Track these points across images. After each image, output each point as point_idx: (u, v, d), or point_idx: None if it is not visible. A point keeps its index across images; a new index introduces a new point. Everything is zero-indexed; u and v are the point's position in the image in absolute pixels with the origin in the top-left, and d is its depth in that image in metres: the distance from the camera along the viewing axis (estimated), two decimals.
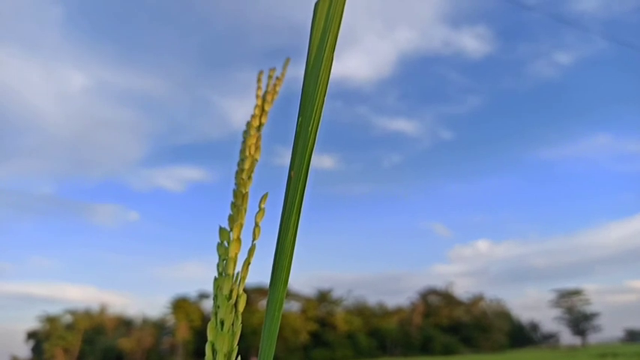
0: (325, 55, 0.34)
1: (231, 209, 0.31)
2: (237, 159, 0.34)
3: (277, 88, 0.37)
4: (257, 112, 0.35)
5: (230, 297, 0.29)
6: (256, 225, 0.30)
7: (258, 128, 0.35)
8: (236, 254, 0.30)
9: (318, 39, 0.36)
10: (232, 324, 0.28)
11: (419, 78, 73.94)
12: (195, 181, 69.02)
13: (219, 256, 0.30)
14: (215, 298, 0.29)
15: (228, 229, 0.30)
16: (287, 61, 0.38)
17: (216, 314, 0.29)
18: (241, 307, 0.29)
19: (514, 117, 73.80)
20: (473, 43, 69.34)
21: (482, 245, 76.24)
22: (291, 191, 0.32)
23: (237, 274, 0.30)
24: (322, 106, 0.33)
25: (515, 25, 73.19)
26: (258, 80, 0.36)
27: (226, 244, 0.30)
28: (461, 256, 74.77)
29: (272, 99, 0.37)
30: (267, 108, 0.36)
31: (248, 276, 0.30)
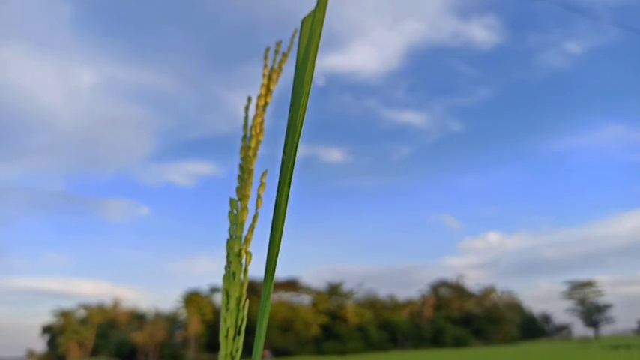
0: (309, 61, 0.41)
1: (238, 182, 0.37)
2: (259, 91, 0.39)
3: (282, 65, 0.41)
4: (263, 91, 0.40)
5: (239, 254, 0.36)
6: (259, 197, 0.37)
7: (264, 107, 0.40)
8: (243, 220, 0.36)
9: (303, 48, 0.43)
10: (242, 275, 0.36)
11: (428, 70, 73.58)
12: (205, 176, 69.35)
13: (230, 222, 0.37)
14: (227, 255, 0.36)
15: (237, 199, 0.37)
16: (295, 33, 0.42)
17: (228, 268, 0.36)
18: (248, 262, 0.36)
19: (524, 108, 73.23)
20: (482, 33, 68.77)
21: (493, 237, 75.98)
22: (282, 176, 0.38)
23: (245, 236, 0.36)
24: (307, 103, 0.40)
25: (525, 15, 72.49)
26: (265, 58, 0.41)
27: (235, 212, 0.36)
28: (472, 248, 74.58)
29: (277, 77, 0.41)
30: (272, 87, 0.40)
31: (253, 238, 0.36)
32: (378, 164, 72.13)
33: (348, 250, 72.63)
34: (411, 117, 69.62)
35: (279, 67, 0.41)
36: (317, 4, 0.44)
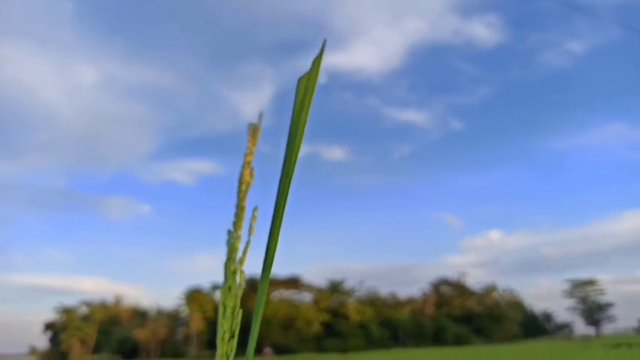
0: (302, 115, 0.51)
1: (235, 216, 0.47)
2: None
3: (256, 136, 0.52)
4: (248, 151, 0.51)
5: (234, 272, 0.45)
6: (251, 227, 0.47)
7: (249, 163, 0.51)
8: (237, 246, 0.46)
9: (298, 106, 0.52)
10: (237, 289, 0.45)
11: (429, 68, 73.54)
12: (205, 174, 69.46)
13: (228, 248, 0.46)
14: (225, 273, 0.46)
15: (233, 229, 0.47)
16: (260, 115, 0.52)
17: (225, 283, 0.45)
18: (242, 279, 0.46)
19: (525, 107, 73.17)
20: (483, 32, 68.74)
21: (495, 235, 76.04)
22: (282, 179, 0.49)
23: (239, 258, 0.46)
24: (301, 139, 0.50)
25: (526, 14, 72.38)
26: (248, 132, 0.52)
27: (232, 241, 0.46)
28: (473, 246, 74.65)
29: (256, 142, 0.52)
30: (253, 148, 0.52)
31: (246, 260, 0.46)
32: (379, 162, 72.20)
33: (350, 248, 72.74)
34: (412, 115, 69.76)
35: (254, 138, 0.51)
36: (312, 66, 0.53)
